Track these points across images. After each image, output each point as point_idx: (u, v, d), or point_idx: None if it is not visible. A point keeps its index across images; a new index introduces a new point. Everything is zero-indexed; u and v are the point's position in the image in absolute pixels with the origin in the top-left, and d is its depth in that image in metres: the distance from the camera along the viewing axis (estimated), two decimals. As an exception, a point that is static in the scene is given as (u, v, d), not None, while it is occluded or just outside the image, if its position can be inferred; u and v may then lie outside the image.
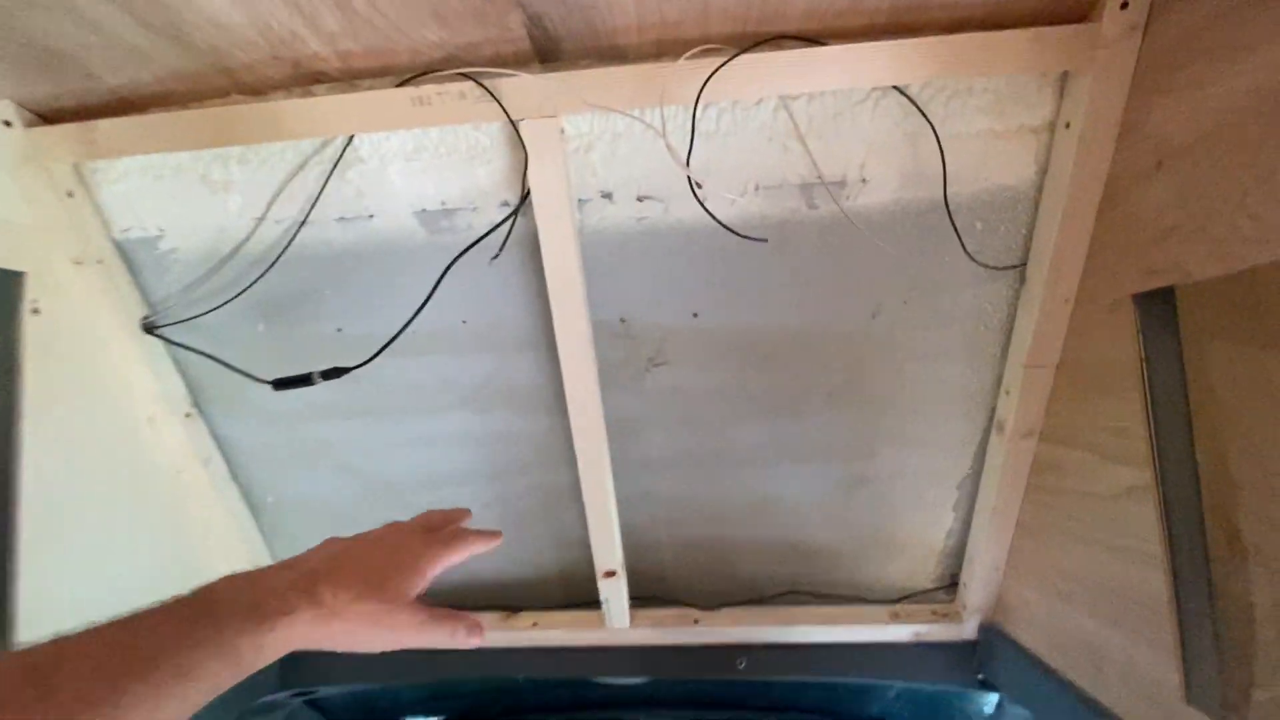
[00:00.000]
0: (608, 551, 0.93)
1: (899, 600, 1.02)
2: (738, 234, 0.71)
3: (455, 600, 1.10)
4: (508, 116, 0.63)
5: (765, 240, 0.72)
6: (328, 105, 0.65)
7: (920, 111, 0.66)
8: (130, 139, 0.67)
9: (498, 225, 0.75)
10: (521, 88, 0.63)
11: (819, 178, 0.72)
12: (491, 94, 0.62)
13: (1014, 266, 0.74)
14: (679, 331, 0.85)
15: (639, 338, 0.86)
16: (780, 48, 0.62)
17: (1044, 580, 0.84)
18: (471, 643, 0.48)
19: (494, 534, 0.56)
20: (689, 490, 0.98)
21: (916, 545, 0.99)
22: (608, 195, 0.75)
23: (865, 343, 0.83)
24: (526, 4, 0.57)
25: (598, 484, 0.87)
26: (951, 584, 1.02)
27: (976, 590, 0.94)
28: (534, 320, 0.84)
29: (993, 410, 0.85)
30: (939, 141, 0.67)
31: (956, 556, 0.99)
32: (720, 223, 0.69)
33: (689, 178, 0.67)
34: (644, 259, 0.79)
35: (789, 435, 0.91)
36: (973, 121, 0.68)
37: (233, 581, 0.41)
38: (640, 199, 0.75)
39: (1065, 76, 0.64)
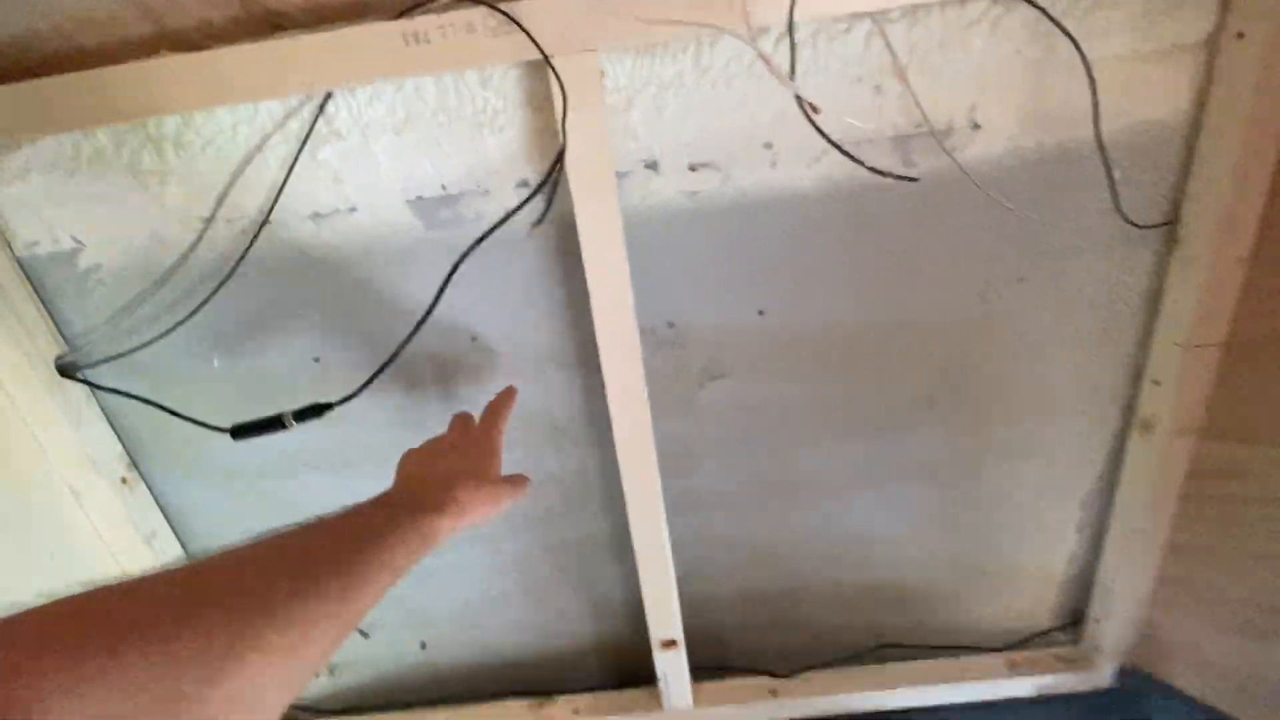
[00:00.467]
0: (665, 616, 0.75)
1: (1014, 646, 0.85)
2: (884, 173, 0.54)
3: (472, 686, 0.90)
4: (540, 50, 0.47)
5: (917, 179, 0.56)
6: (292, 50, 0.49)
7: (1059, 26, 0.52)
8: (27, 113, 0.50)
9: (516, 210, 0.59)
10: (549, 10, 0.47)
11: (919, 125, 0.57)
12: (515, 20, 0.46)
13: (1163, 224, 0.60)
14: (740, 334, 0.68)
15: (690, 345, 0.70)
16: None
17: (1214, 611, 0.68)
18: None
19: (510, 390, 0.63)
20: (751, 530, 0.81)
21: (1031, 577, 0.83)
22: (652, 165, 0.60)
23: (970, 333, 0.68)
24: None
25: (651, 532, 0.70)
26: (1074, 622, 0.85)
27: (1113, 628, 0.77)
28: (562, 331, 0.68)
29: (1130, 407, 0.69)
30: (1086, 63, 0.52)
31: (1081, 587, 0.82)
32: (854, 158, 0.53)
33: (798, 97, 0.51)
34: (697, 245, 0.64)
35: (874, 456, 0.75)
36: (1113, 41, 0.54)
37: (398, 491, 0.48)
38: (693, 168, 0.60)
39: (1233, -26, 0.51)
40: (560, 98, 0.47)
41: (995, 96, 0.57)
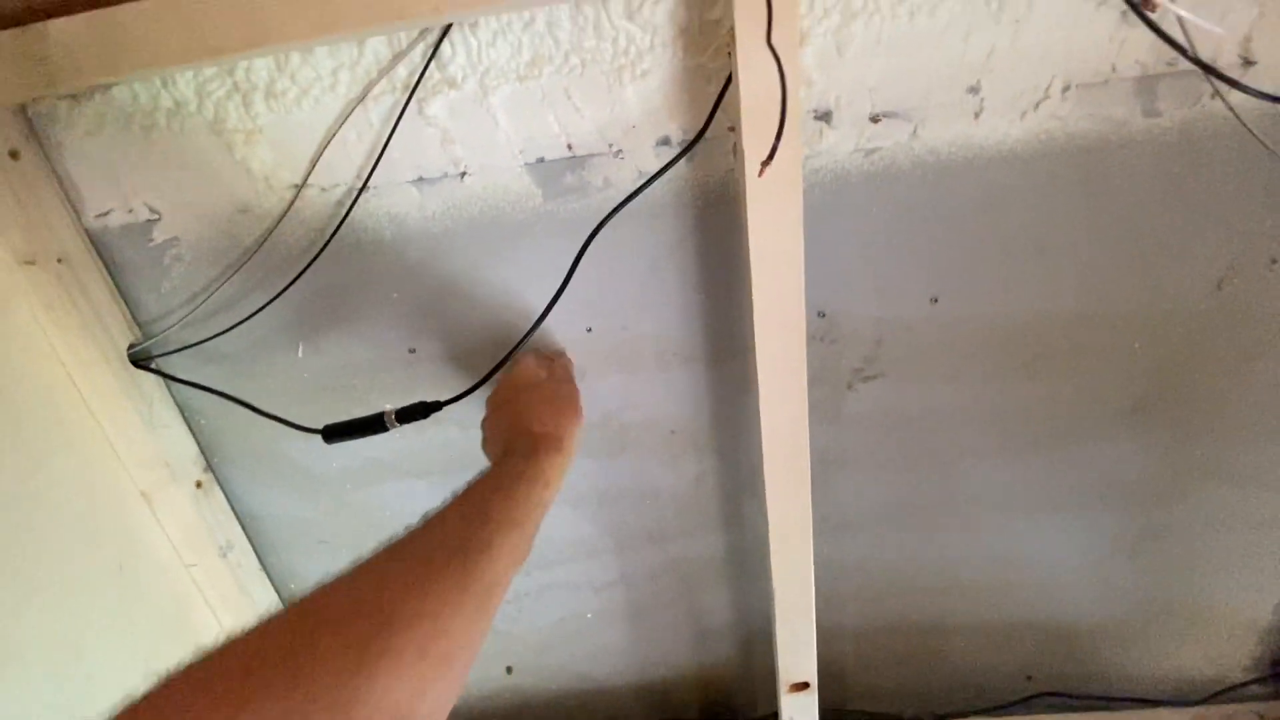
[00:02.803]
0: (801, 655, 0.64)
1: (1203, 701, 0.72)
2: (1257, 92, 0.42)
3: (559, 715, 0.81)
4: None
5: None
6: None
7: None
8: (102, 49, 0.42)
9: (661, 171, 0.49)
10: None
11: (1173, 63, 0.45)
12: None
13: None
14: (907, 327, 0.57)
15: (843, 339, 0.59)
16: None
17: None
18: None
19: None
20: (891, 553, 0.70)
21: (1228, 621, 0.70)
22: (824, 116, 0.49)
23: (1198, 328, 0.55)
24: None
25: (795, 558, 0.59)
26: (1275, 674, 0.71)
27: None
28: (694, 320, 0.58)
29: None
30: None
31: (1290, 635, 0.69)
32: (1231, 80, 0.40)
33: None
34: (867, 217, 0.53)
35: (1055, 473, 0.63)
36: None
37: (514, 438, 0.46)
38: (875, 118, 0.49)
39: None
40: (765, 5, 0.36)
41: (1278, 22, 0.44)
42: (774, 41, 0.36)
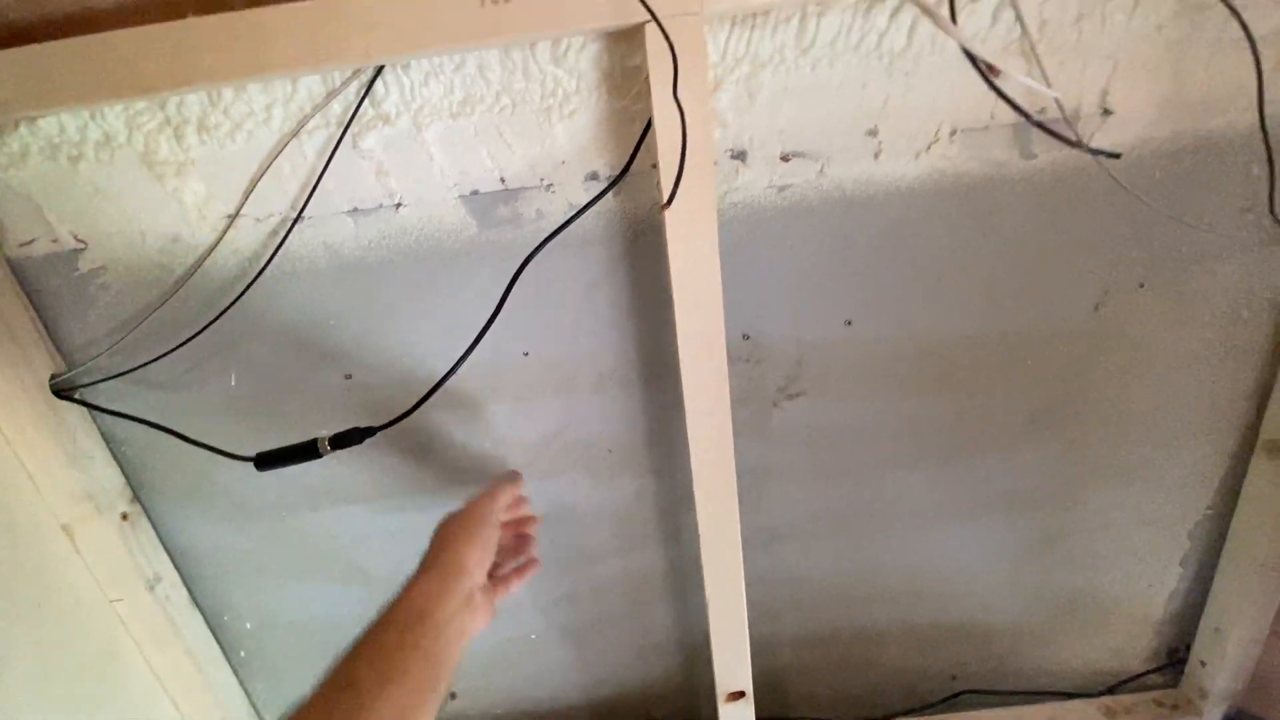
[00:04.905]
0: (736, 665, 0.66)
1: (1108, 691, 0.77)
2: (1089, 149, 0.47)
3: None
4: (646, 8, 0.40)
5: (1118, 155, 0.49)
6: (350, 8, 0.41)
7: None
8: (26, 84, 0.42)
9: (589, 204, 0.52)
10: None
11: (1045, 110, 0.51)
12: (611, -27, 0.40)
13: (1310, 224, 0.54)
14: (824, 347, 0.61)
15: (767, 360, 0.62)
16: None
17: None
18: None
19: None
20: (821, 564, 0.73)
21: (1126, 614, 0.75)
22: (739, 155, 0.53)
23: (1082, 346, 0.61)
24: None
25: (726, 570, 0.61)
26: (1171, 663, 0.77)
27: (1224, 670, 0.70)
28: (628, 343, 0.60)
29: (1253, 428, 0.63)
30: (1250, 36, 0.46)
31: (1179, 626, 0.75)
32: (1049, 129, 0.46)
33: (970, 53, 0.44)
34: (782, 247, 0.57)
35: (965, 482, 0.68)
36: (1273, 14, 0.48)
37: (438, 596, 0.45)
38: (786, 158, 0.53)
39: None
40: (669, 59, 0.40)
41: (1131, 80, 0.50)
42: (679, 94, 0.40)
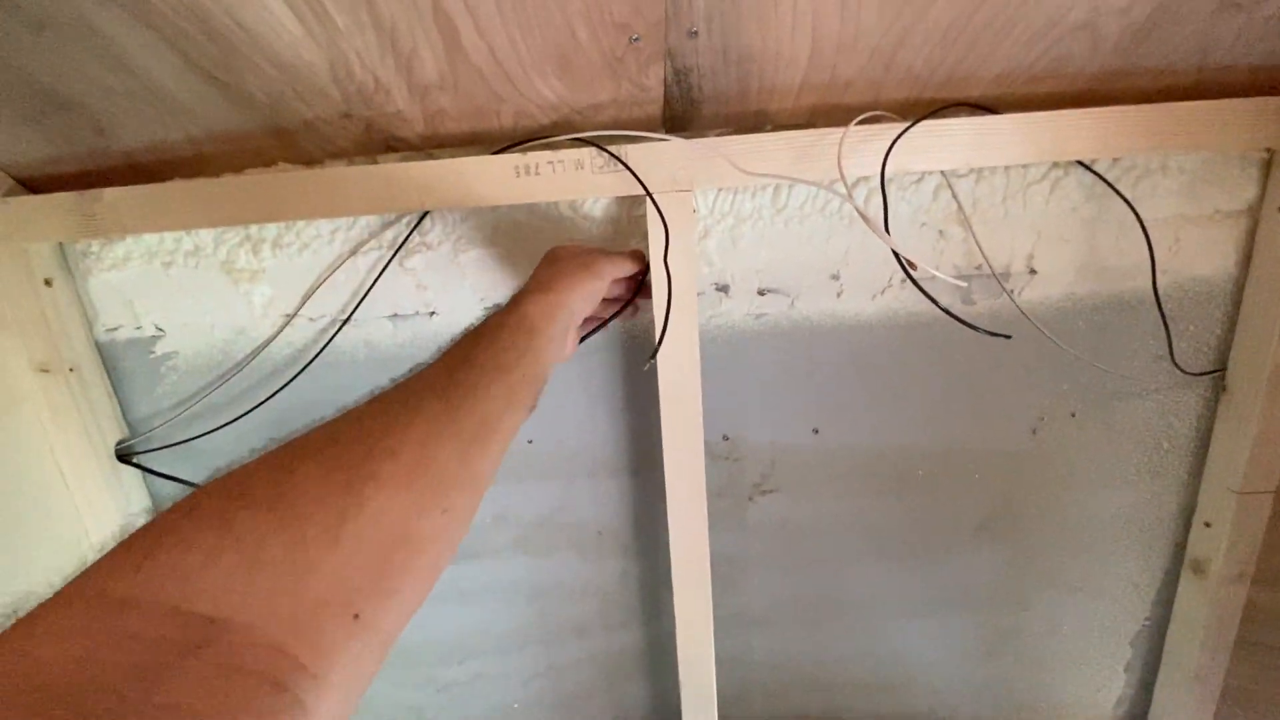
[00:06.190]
0: (704, 743, 0.71)
1: (1060, 793, 0.80)
2: (977, 328, 0.56)
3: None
4: (645, 190, 0.50)
5: (1009, 336, 0.59)
6: (410, 173, 0.52)
7: (1116, 191, 0.56)
8: (143, 212, 0.53)
9: (597, 328, 0.61)
10: (653, 156, 0.51)
11: (979, 268, 0.60)
12: (624, 163, 0.50)
13: (1211, 372, 0.62)
14: (795, 451, 0.69)
15: (745, 459, 0.70)
16: (956, 115, 0.53)
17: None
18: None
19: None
20: (791, 650, 0.78)
21: (1077, 718, 0.79)
22: (723, 288, 0.63)
23: (1022, 464, 0.68)
24: (675, 54, 0.46)
25: (699, 647, 0.67)
26: (1122, 767, 0.81)
27: (1168, 778, 0.74)
28: (620, 439, 0.68)
29: (1180, 546, 0.69)
30: (1142, 224, 0.56)
31: (1129, 731, 0.79)
32: (953, 315, 0.55)
33: (896, 254, 0.54)
34: (758, 363, 0.66)
35: (921, 581, 0.74)
36: (1163, 204, 0.58)
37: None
38: (761, 292, 0.63)
39: (1272, 155, 0.56)
40: (662, 230, 0.50)
41: (1052, 247, 0.60)
42: (669, 261, 0.50)
